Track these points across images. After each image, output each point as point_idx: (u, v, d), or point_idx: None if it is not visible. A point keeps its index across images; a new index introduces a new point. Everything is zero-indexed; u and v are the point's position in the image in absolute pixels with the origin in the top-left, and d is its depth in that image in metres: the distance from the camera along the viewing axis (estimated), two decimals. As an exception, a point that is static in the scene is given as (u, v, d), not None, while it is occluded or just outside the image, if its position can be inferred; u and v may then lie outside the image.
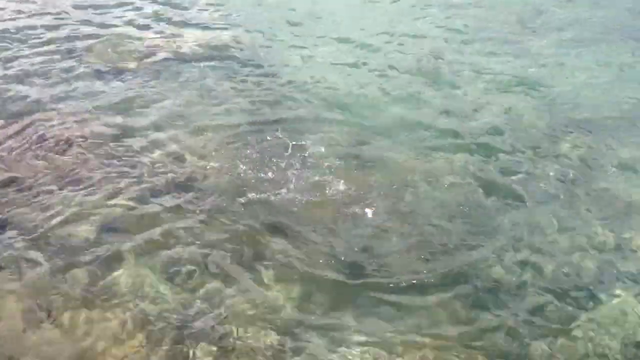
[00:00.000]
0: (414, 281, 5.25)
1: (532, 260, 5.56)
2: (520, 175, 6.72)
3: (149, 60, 8.89)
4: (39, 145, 6.81)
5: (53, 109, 7.48)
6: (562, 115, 7.90)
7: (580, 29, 10.42)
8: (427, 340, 4.74)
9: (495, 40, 9.91)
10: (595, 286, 5.32)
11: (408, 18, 10.68)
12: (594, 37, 10.12)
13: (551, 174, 6.74)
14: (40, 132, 7.01)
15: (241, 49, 9.38)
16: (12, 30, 9.39)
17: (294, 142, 6.95)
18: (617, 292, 5.28)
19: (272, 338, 4.71)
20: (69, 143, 6.87)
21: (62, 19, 9.94)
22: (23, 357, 4.48)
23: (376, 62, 9.14)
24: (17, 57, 8.60)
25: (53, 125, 7.15)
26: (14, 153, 6.64)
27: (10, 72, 8.24)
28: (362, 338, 4.76)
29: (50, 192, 6.11)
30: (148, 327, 4.74)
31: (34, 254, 5.37)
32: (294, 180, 6.39)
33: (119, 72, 8.49)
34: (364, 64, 9.11)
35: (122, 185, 6.26)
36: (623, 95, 8.44)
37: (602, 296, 5.23)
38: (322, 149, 6.95)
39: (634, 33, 10.28)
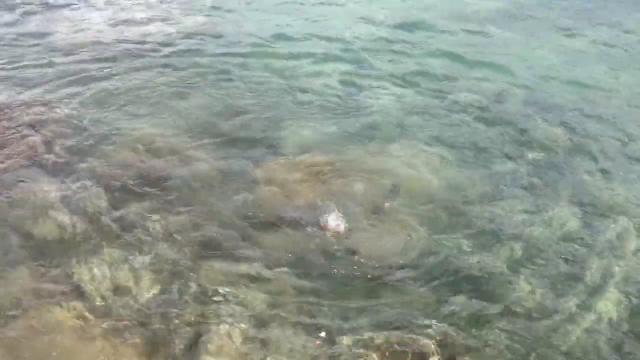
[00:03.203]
0: (393, 273, 5.21)
1: (510, 251, 5.51)
2: (498, 163, 6.72)
3: (116, 47, 8.83)
4: (3, 132, 6.66)
5: (17, 95, 7.36)
6: (536, 100, 7.99)
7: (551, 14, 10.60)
8: (404, 332, 4.67)
9: (470, 23, 9.99)
10: (573, 278, 5.29)
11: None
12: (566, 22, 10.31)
13: (529, 161, 6.77)
14: (4, 119, 6.85)
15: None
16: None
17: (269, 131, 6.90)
18: (597, 283, 5.23)
19: (248, 332, 4.62)
20: (35, 129, 6.73)
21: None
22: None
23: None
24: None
25: (17, 112, 7.02)
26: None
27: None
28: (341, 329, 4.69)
29: (18, 180, 5.97)
30: (120, 323, 4.61)
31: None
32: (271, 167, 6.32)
33: (88, 59, 8.40)
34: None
35: (91, 174, 6.11)
36: (599, 78, 8.63)
37: (581, 288, 5.19)
38: (300, 136, 6.89)
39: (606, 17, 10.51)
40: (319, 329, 4.64)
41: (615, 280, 5.27)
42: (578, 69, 8.92)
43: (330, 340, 4.55)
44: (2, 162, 6.18)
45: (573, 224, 5.88)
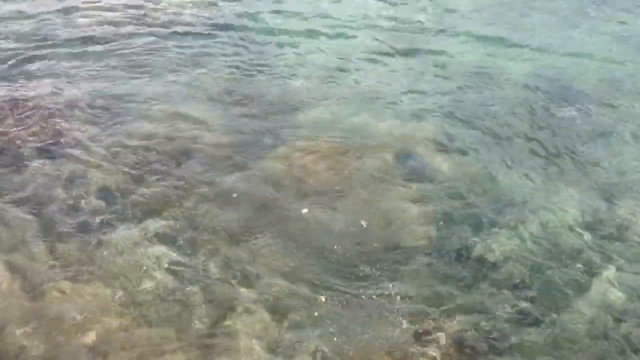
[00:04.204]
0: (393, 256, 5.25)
1: (519, 233, 5.52)
2: (512, 146, 6.68)
3: (129, 28, 8.80)
4: (21, 112, 6.73)
5: (35, 77, 7.40)
6: (554, 84, 7.85)
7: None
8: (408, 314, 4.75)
9: (489, 11, 9.79)
10: (583, 260, 5.28)
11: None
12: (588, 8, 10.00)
13: (542, 143, 6.72)
14: (22, 99, 6.92)
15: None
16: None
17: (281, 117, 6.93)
18: (605, 266, 5.23)
19: (266, 309, 4.69)
20: (51, 111, 6.80)
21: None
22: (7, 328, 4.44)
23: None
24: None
25: (35, 93, 7.07)
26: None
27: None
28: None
29: (35, 160, 6.07)
30: (137, 302, 4.70)
31: (18, 222, 5.33)
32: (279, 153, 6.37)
33: (101, 39, 8.41)
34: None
35: (109, 154, 6.20)
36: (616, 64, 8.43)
37: (589, 271, 5.19)
38: (317, 116, 6.92)
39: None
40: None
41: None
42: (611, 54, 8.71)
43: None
44: (24, 140, 6.29)
45: (593, 211, 5.84)
